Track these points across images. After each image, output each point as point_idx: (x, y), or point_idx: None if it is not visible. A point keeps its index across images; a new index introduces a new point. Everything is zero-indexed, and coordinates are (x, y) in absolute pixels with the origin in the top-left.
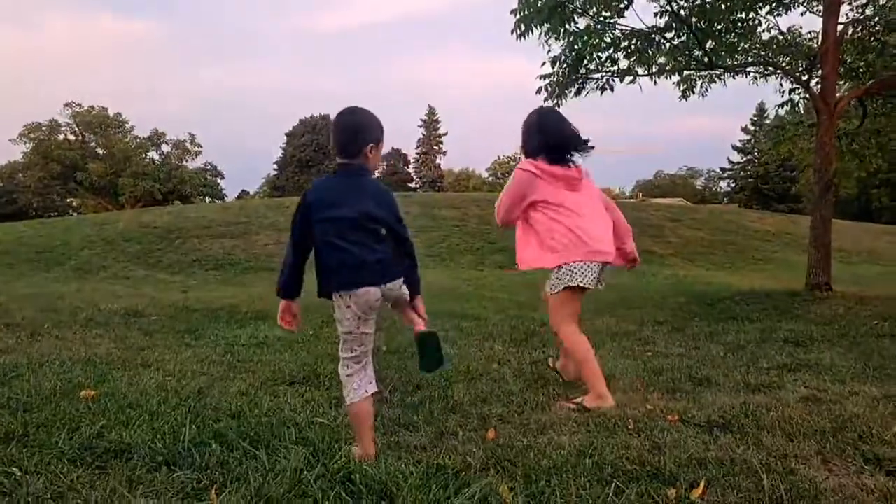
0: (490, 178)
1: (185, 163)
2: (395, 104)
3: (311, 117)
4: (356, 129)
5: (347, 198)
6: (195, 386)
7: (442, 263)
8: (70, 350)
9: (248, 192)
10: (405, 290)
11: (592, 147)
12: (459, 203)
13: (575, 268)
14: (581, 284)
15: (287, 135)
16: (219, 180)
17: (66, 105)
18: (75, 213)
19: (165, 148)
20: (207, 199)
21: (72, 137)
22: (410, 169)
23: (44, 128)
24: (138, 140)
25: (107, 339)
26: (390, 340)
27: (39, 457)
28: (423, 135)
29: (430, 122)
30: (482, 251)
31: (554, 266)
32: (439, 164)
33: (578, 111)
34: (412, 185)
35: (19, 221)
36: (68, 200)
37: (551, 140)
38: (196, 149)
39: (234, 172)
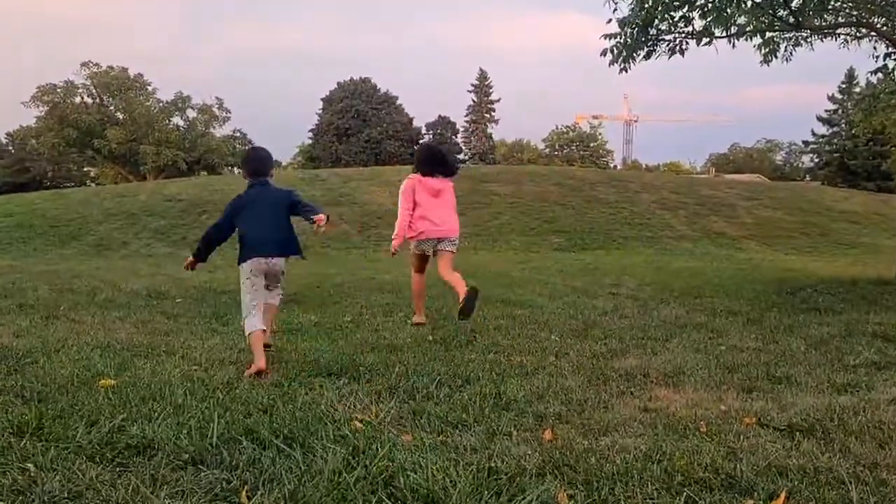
0: (547, 151)
1: (212, 130)
2: (442, 67)
3: (350, 81)
4: (265, 159)
5: (266, 199)
6: (224, 377)
7: (492, 244)
8: (88, 334)
9: (281, 163)
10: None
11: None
12: (512, 178)
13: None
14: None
15: (323, 100)
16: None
17: (83, 65)
18: (93, 184)
19: (191, 113)
20: (236, 170)
21: (89, 100)
22: (459, 139)
23: (59, 90)
24: (161, 104)
25: (127, 322)
26: (436, 330)
27: (55, 452)
28: (473, 101)
29: (481, 88)
30: (537, 231)
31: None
32: (491, 135)
33: (646, 76)
34: (460, 156)
35: (33, 192)
36: (85, 170)
37: (425, 158)
38: (224, 115)
39: (266, 141)
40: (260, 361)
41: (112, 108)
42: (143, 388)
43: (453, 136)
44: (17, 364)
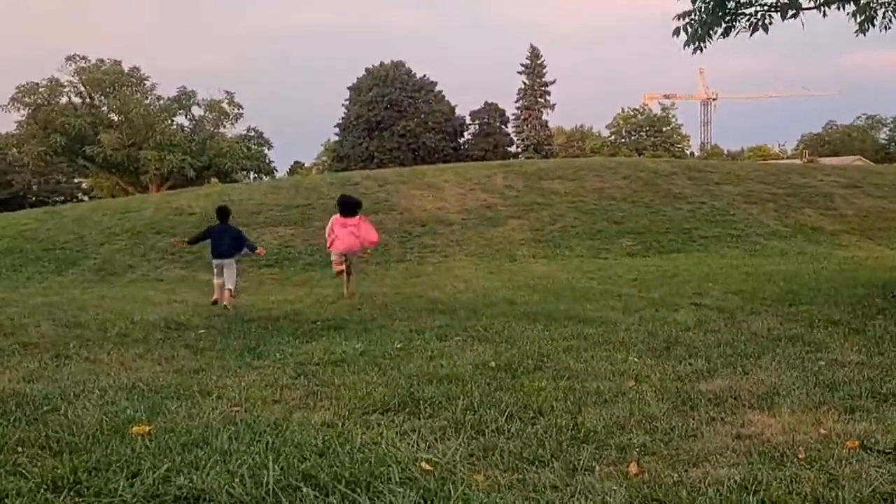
0: (612, 138)
1: (222, 129)
2: (487, 46)
3: (381, 66)
4: (228, 210)
5: (225, 230)
6: (269, 417)
7: (553, 251)
8: (108, 375)
9: (304, 164)
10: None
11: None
12: (573, 172)
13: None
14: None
15: (350, 90)
16: (265, 150)
17: (69, 59)
18: (87, 198)
19: (197, 111)
20: (252, 176)
21: (77, 100)
22: (510, 128)
23: (41, 89)
24: (162, 102)
25: (149, 359)
26: (498, 355)
27: None
28: (525, 84)
29: (534, 68)
30: (605, 234)
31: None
32: (546, 122)
33: (725, 46)
34: (511, 149)
35: (19, 211)
36: (76, 181)
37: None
38: (235, 111)
39: (286, 140)
40: (216, 295)
41: (105, 108)
42: (182, 434)
43: (502, 126)
44: (35, 412)
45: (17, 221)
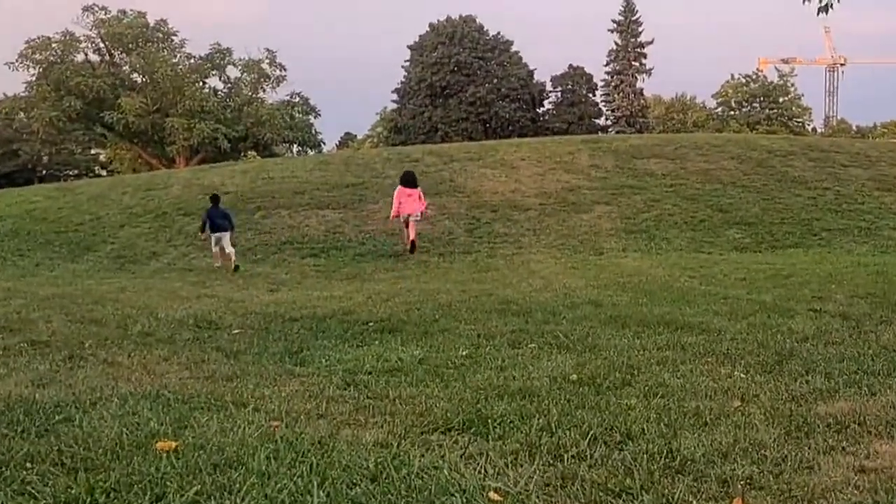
0: (719, 110)
1: (261, 94)
2: None
3: (448, 21)
4: (218, 196)
5: (218, 211)
6: (314, 434)
7: (648, 243)
8: (129, 381)
9: (355, 137)
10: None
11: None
12: (672, 151)
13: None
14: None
15: (412, 49)
16: (312, 119)
17: (86, 10)
18: (105, 172)
19: (233, 72)
20: (296, 150)
21: (95, 58)
22: (598, 97)
23: (54, 45)
24: (193, 61)
25: (175, 363)
26: (580, 366)
27: None
28: (617, 45)
29: (627, 26)
30: (708, 224)
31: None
32: (641, 90)
33: (854, 5)
34: (599, 121)
35: (27, 187)
36: (93, 153)
37: (403, 180)
38: (277, 73)
39: (335, 108)
40: (218, 262)
41: (126, 67)
42: (213, 452)
43: (589, 94)
44: (46, 423)
45: (24, 199)
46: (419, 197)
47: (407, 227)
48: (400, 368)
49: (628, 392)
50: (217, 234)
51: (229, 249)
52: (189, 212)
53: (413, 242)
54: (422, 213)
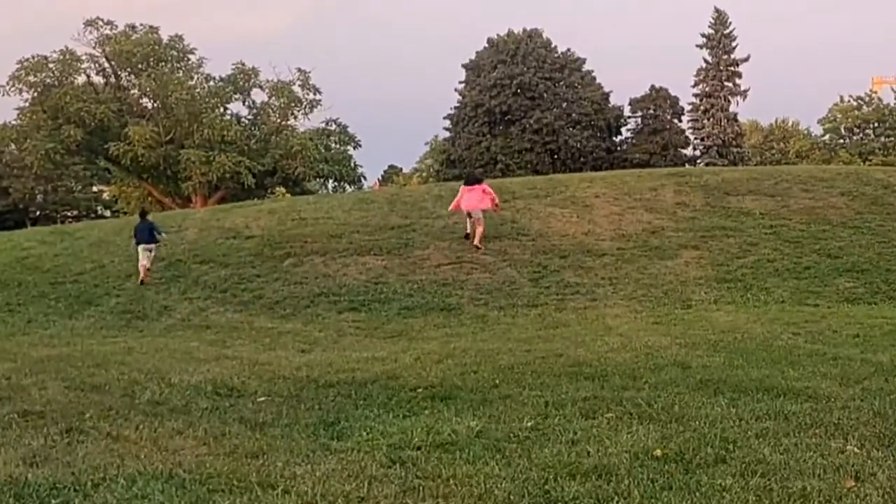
0: (826, 138)
1: (292, 121)
2: (655, 7)
3: (509, 36)
4: (146, 211)
5: (145, 225)
6: None
7: (744, 294)
8: (137, 458)
9: (401, 170)
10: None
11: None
12: (773, 186)
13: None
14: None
15: (467, 68)
16: (350, 151)
17: (88, 24)
18: (109, 212)
19: (259, 96)
20: (332, 186)
21: (99, 80)
22: (684, 123)
23: (52, 65)
24: (212, 83)
25: (191, 437)
26: (666, 440)
27: None
28: (707, 62)
29: (719, 40)
30: (814, 272)
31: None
32: (735, 115)
33: None
34: (686, 151)
35: (18, 230)
36: (96, 191)
37: (465, 181)
38: (311, 96)
39: (380, 136)
40: (143, 276)
41: (135, 91)
42: None
43: (675, 120)
44: None
45: (15, 244)
46: (483, 191)
47: (470, 220)
48: (454, 443)
49: (722, 470)
50: (143, 247)
51: (146, 263)
52: (208, 258)
53: (468, 235)
54: (494, 208)
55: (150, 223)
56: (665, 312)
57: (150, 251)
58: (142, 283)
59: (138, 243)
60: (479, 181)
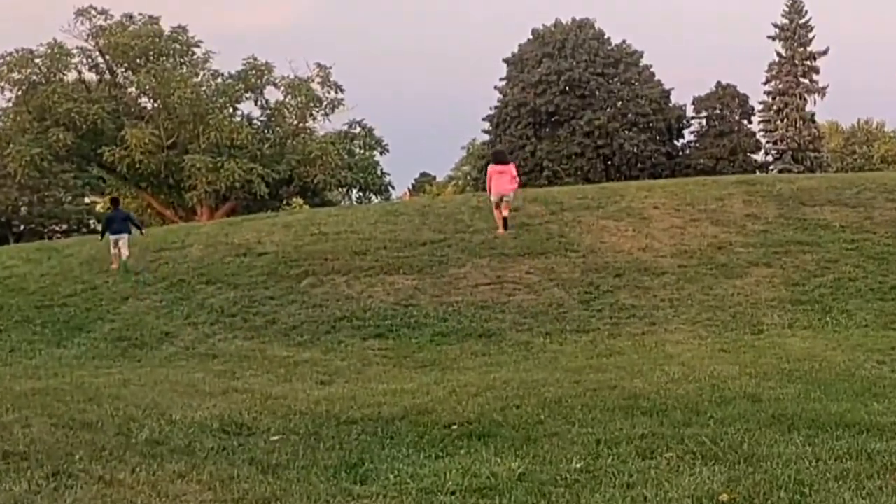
0: None
1: (311, 123)
2: None
3: (556, 26)
4: (118, 199)
5: (118, 214)
6: None
7: (822, 318)
8: None
9: (434, 178)
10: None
11: (505, 162)
12: (855, 196)
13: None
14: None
15: (508, 63)
16: (377, 156)
17: (80, 14)
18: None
19: (273, 95)
20: (356, 196)
21: (91, 77)
22: (755, 125)
23: (38, 60)
24: (221, 80)
25: (195, 481)
26: (733, 483)
27: None
28: (780, 56)
29: (793, 31)
30: None
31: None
32: (812, 116)
33: None
34: (757, 156)
35: (0, 247)
36: (88, 202)
37: (494, 159)
38: (332, 95)
39: (410, 140)
40: (115, 264)
41: (133, 89)
42: None
43: (744, 121)
44: None
45: None
46: (512, 175)
47: (498, 207)
48: (493, 487)
49: None
50: (115, 237)
51: (126, 252)
52: (215, 278)
53: (505, 220)
54: (514, 193)
55: (125, 213)
56: (733, 338)
57: (124, 240)
58: (124, 266)
59: (111, 233)
60: (507, 161)
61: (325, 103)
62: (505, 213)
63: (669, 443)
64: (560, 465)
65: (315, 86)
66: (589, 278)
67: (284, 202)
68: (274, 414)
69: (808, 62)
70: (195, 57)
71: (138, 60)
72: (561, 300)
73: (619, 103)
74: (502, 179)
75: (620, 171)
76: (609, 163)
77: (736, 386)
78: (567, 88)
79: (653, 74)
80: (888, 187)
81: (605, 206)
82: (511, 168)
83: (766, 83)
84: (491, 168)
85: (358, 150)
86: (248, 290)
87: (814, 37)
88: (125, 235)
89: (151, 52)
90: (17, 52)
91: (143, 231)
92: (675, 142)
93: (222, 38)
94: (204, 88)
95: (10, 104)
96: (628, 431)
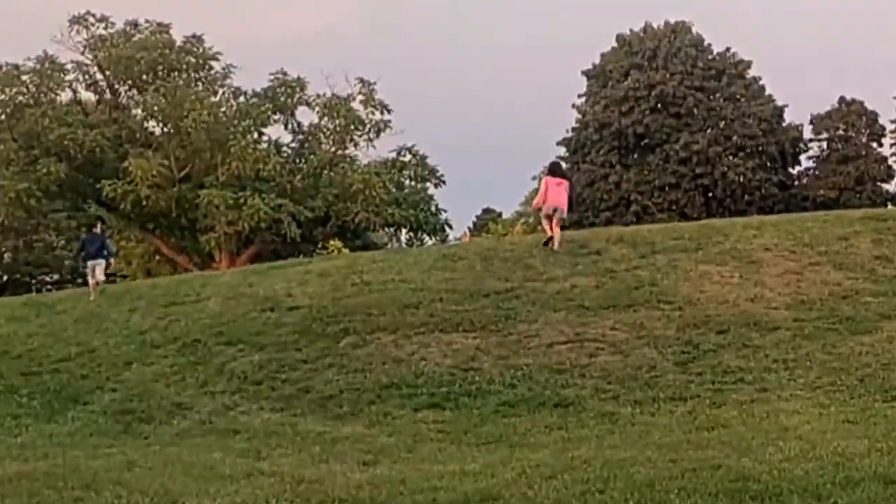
0: None
1: (352, 150)
2: None
3: (646, 31)
4: (95, 224)
5: (95, 238)
6: None
7: None
8: None
9: (499, 215)
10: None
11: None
12: None
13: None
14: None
15: (588, 76)
16: (430, 188)
17: (75, 21)
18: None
19: (307, 116)
20: (404, 237)
21: (89, 97)
22: (886, 148)
23: (26, 77)
24: (244, 99)
25: None
26: None
27: None
28: None
29: None
30: None
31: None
32: None
33: None
34: (889, 186)
35: None
36: None
37: (550, 170)
38: (378, 116)
39: (464, 171)
40: (93, 296)
41: (138, 111)
42: None
43: (873, 144)
44: None
45: None
46: (567, 190)
47: (550, 220)
48: None
49: None
50: (92, 262)
51: (101, 277)
52: (236, 338)
53: (551, 239)
54: (566, 211)
55: (101, 237)
56: (861, 406)
57: (101, 266)
58: (92, 300)
59: (86, 258)
60: (565, 175)
61: (368, 126)
62: (556, 230)
63: None
64: None
65: (356, 105)
66: (686, 335)
67: (319, 245)
68: (307, 501)
69: None
70: (213, 72)
71: (144, 77)
72: (653, 362)
73: (722, 123)
74: (559, 191)
75: (723, 206)
76: (710, 195)
77: (865, 465)
78: (659, 106)
79: (762, 88)
80: None
81: (705, 247)
82: (567, 184)
83: None
84: (547, 179)
85: (408, 181)
86: (277, 353)
87: None
88: (101, 261)
89: (160, 67)
90: (1, 66)
91: (111, 261)
92: (790, 169)
93: (245, 49)
94: (223, 110)
95: None
96: None
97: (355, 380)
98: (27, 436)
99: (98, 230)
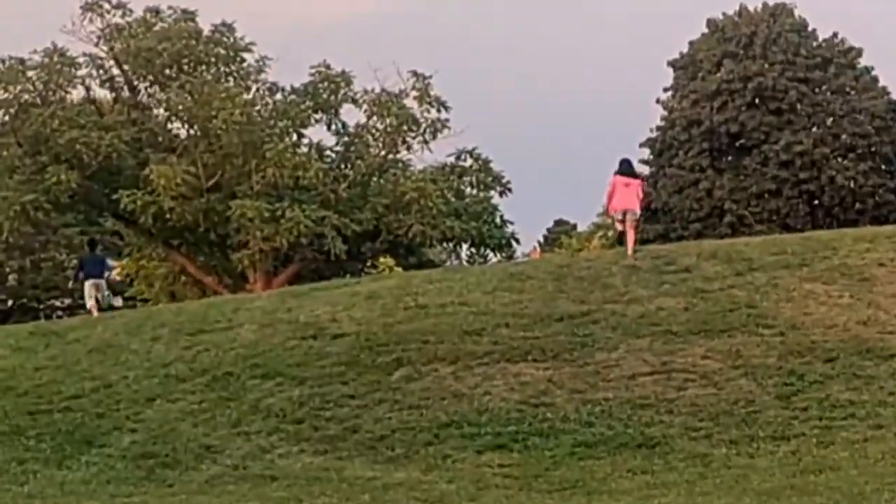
0: None
1: (405, 153)
2: None
3: (742, 13)
4: (95, 242)
5: (95, 258)
6: None
7: None
8: None
9: (573, 227)
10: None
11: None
12: None
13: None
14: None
15: (675, 67)
16: (495, 197)
17: (87, 8)
18: (120, 300)
19: (353, 115)
20: (465, 253)
21: (103, 94)
22: None
23: (32, 73)
24: (281, 96)
25: None
26: None
27: None
28: None
29: None
30: None
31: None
32: None
33: None
34: None
35: None
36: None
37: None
38: (434, 115)
39: (533, 177)
40: (95, 313)
41: (160, 111)
42: None
43: None
44: None
45: None
46: (638, 191)
47: (622, 223)
48: None
49: None
50: (92, 281)
51: (106, 292)
52: (273, 370)
53: (622, 238)
54: (638, 211)
55: (101, 256)
56: None
57: (100, 286)
58: (109, 307)
59: (86, 277)
60: (635, 174)
61: (423, 126)
62: (630, 232)
63: None
64: None
65: (410, 102)
66: (789, 365)
67: (368, 263)
68: None
69: None
70: (245, 65)
71: (167, 71)
72: (751, 395)
73: (830, 121)
74: (628, 192)
75: (831, 215)
76: (816, 203)
77: None
78: (756, 101)
79: (875, 80)
80: None
81: (810, 263)
82: (639, 183)
83: None
84: (616, 178)
85: (469, 189)
86: (320, 387)
87: None
88: (101, 282)
89: (185, 60)
90: (2, 62)
91: (109, 274)
92: None
93: (282, 39)
94: (258, 108)
95: None
96: None
97: (410, 418)
98: (35, 484)
99: (98, 252)
